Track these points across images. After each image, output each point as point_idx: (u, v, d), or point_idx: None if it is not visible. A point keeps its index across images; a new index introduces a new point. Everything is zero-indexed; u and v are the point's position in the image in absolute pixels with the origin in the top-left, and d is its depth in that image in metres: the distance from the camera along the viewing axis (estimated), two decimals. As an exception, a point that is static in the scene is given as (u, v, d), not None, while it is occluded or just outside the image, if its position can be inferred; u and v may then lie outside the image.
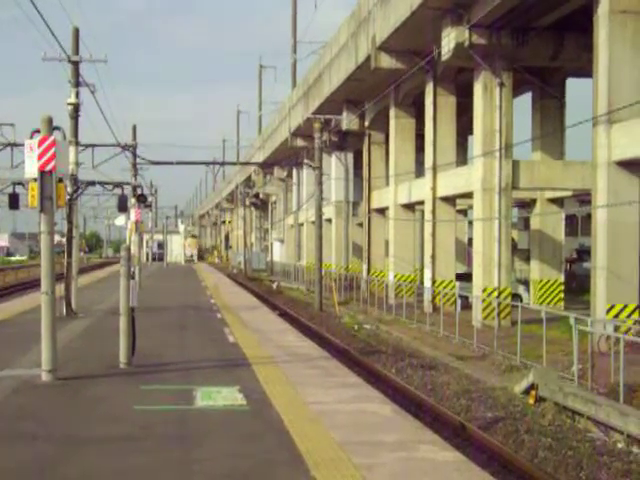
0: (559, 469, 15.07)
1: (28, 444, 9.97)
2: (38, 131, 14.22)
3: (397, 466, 8.92)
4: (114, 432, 10.60)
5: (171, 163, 49.86)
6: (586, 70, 30.48)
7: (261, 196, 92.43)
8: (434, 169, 39.79)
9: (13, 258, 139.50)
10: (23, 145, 14.65)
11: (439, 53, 33.59)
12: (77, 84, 26.36)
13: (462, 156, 48.21)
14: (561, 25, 32.44)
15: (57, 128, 14.97)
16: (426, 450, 9.59)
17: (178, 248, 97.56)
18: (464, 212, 53.51)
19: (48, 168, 13.81)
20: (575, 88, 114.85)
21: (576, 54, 33.02)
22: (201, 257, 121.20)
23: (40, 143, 13.86)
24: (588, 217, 40.50)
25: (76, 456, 9.43)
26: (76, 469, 8.92)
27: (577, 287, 47.45)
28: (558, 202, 42.31)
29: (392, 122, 46.09)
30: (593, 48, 26.87)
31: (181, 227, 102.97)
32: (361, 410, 11.74)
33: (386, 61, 38.88)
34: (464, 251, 47.34)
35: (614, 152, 25.90)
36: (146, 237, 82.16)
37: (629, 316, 25.86)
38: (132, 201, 41.73)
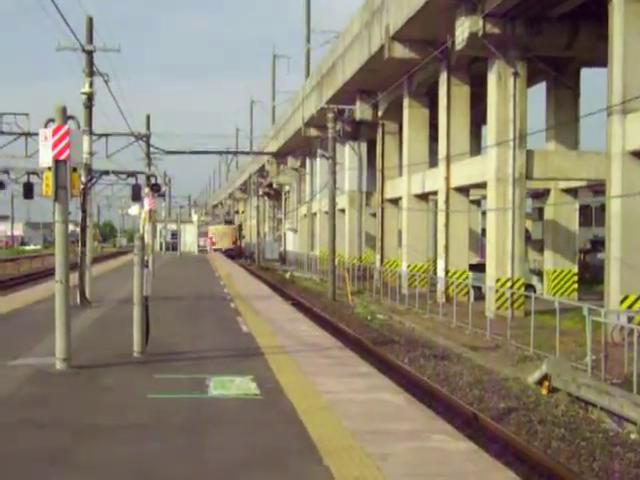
0: (572, 459, 15.07)
1: (43, 431, 10.04)
2: (52, 120, 14.25)
3: (410, 455, 8.94)
4: (127, 420, 10.65)
5: (184, 152, 49.97)
6: (601, 60, 30.30)
7: (274, 186, 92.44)
8: (448, 159, 39.71)
9: (27, 247, 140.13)
10: (37, 134, 14.67)
11: (453, 43, 33.48)
12: (91, 73, 26.40)
13: (476, 146, 48.07)
14: (575, 14, 32.28)
15: (71, 117, 15.00)
16: (439, 440, 9.60)
17: (191, 238, 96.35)
18: (477, 202, 53.37)
19: (62, 157, 13.84)
20: (589, 78, 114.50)
21: (590, 44, 32.85)
22: None
23: (54, 132, 13.90)
24: (602, 207, 40.38)
25: (89, 443, 9.48)
26: (89, 456, 8.97)
27: (591, 278, 47.32)
28: (572, 192, 42.17)
29: (405, 112, 46.00)
30: (608, 38, 26.74)
31: (194, 217, 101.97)
32: (374, 399, 11.75)
33: (399, 51, 38.81)
34: (477, 241, 47.26)
35: (628, 142, 25.79)
36: (160, 227, 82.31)
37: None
38: (146, 190, 41.82)
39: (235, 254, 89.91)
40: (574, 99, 40.61)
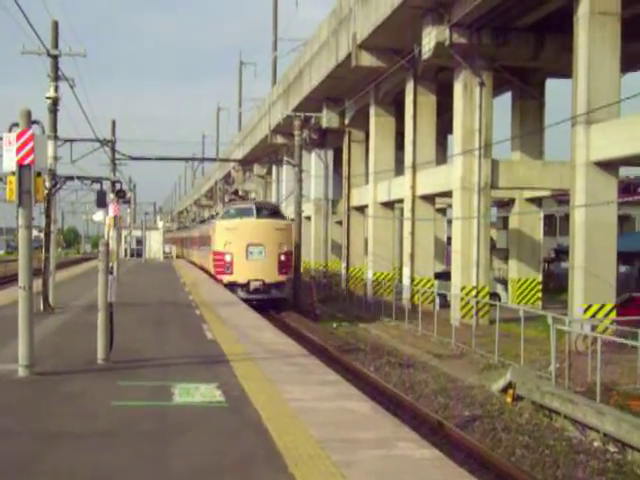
0: (536, 467, 15.15)
1: (4, 439, 9.90)
2: (16, 125, 14.10)
3: (376, 463, 8.92)
4: (91, 428, 10.54)
5: (150, 159, 49.71)
6: (565, 71, 30.65)
7: (240, 193, 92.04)
8: (414, 167, 39.88)
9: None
10: (1, 139, 14.53)
11: (420, 52, 33.68)
12: (56, 78, 26.18)
13: (442, 155, 48.34)
14: (541, 26, 32.61)
15: (36, 122, 14.86)
16: (404, 447, 9.60)
17: (157, 244, 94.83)
18: (443, 211, 53.65)
19: (27, 162, 13.70)
20: (554, 89, 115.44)
21: (556, 55, 33.20)
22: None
23: (19, 137, 13.75)
24: (566, 217, 40.68)
25: (53, 452, 9.37)
26: (53, 465, 8.86)
27: (555, 286, 47.71)
28: (537, 202, 42.55)
29: (372, 120, 46.16)
30: (573, 49, 27.03)
31: (160, 223, 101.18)
32: (340, 407, 11.73)
33: (367, 59, 38.96)
34: (443, 250, 47.49)
35: (592, 153, 26.04)
36: (124, 233, 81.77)
37: (606, 315, 26.00)
38: (111, 196, 41.55)
39: (283, 301, 40.92)
40: (539, 109, 40.99)
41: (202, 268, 52.94)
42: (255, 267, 39.45)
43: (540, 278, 42.52)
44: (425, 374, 24.07)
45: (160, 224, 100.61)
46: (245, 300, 32.68)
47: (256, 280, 39.22)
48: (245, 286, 39.27)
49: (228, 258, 39.79)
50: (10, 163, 13.79)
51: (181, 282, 40.89)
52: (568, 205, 28.90)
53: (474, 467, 14.17)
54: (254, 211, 40.86)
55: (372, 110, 46.07)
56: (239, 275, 39.53)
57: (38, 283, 22.04)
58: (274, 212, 42.72)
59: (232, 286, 38.69)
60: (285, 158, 59.05)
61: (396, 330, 33.20)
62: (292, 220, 43.13)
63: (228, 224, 40.75)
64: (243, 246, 39.55)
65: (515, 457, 15.78)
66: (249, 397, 12.22)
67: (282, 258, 39.97)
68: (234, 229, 40.10)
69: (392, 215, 47.63)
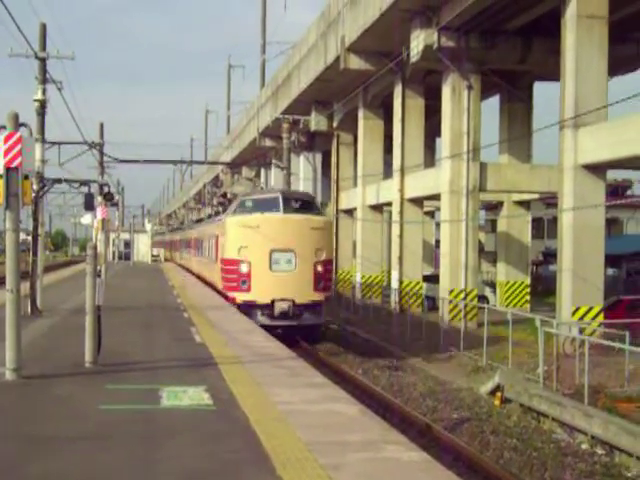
0: (524, 470, 15.18)
1: (-9, 443, 9.86)
2: (4, 127, 14.06)
3: (363, 466, 8.92)
4: (79, 431, 10.50)
5: (138, 161, 49.63)
6: (553, 74, 30.72)
7: (229, 196, 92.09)
8: (402, 171, 39.92)
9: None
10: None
11: (408, 55, 33.74)
12: (44, 81, 26.11)
13: (430, 158, 48.42)
14: (529, 29, 32.72)
15: (23, 125, 14.83)
16: (392, 450, 9.59)
17: (145, 247, 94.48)
18: (431, 214, 53.71)
19: (14, 165, 13.65)
20: (542, 92, 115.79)
21: (543, 58, 33.31)
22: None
23: (6, 139, 13.70)
24: (554, 220, 40.81)
25: (40, 456, 9.33)
26: (40, 469, 8.82)
27: (543, 289, 47.81)
28: (525, 205, 42.63)
29: (361, 123, 46.20)
30: (560, 52, 27.10)
31: (148, 226, 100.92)
32: (328, 410, 11.72)
33: (355, 62, 38.99)
34: (431, 253, 47.52)
35: (580, 156, 26.13)
36: (113, 236, 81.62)
37: (594, 318, 26.08)
38: (99, 199, 41.46)
39: (319, 329, 31.64)
40: (527, 112, 41.11)
41: (203, 280, 42.32)
42: (282, 282, 29.43)
43: (528, 281, 42.62)
44: (414, 377, 24.12)
45: (148, 227, 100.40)
46: (267, 328, 24.12)
47: (283, 300, 29.12)
48: (267, 308, 29.23)
49: (244, 269, 29.57)
50: (-3, 166, 13.73)
51: (169, 285, 40.82)
52: (556, 208, 28.99)
53: (462, 470, 14.18)
54: (281, 203, 30.13)
55: (361, 113, 46.11)
56: (259, 293, 29.43)
57: (26, 286, 21.98)
58: (308, 204, 31.60)
59: (248, 307, 28.84)
60: (274, 161, 58.98)
61: (384, 333, 33.22)
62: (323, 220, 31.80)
63: (244, 221, 30.27)
64: (265, 252, 29.42)
65: (503, 459, 15.81)
66: (237, 400, 12.20)
67: (319, 269, 29.83)
68: (253, 228, 29.62)
69: (381, 218, 47.68)
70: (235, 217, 31.23)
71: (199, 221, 61.69)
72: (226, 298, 30.46)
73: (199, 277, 46.04)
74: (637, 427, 16.10)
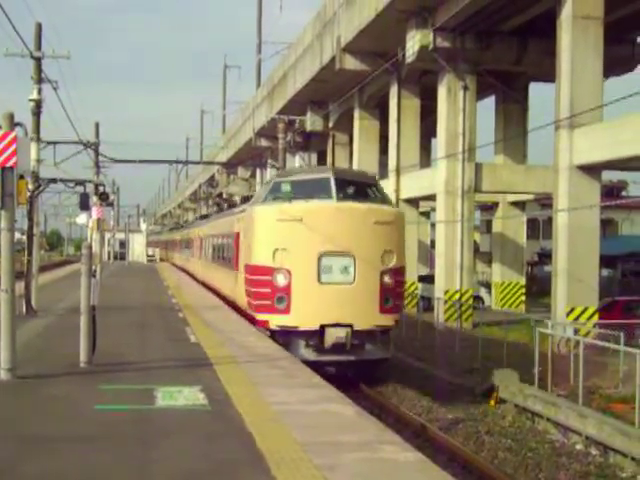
0: (519, 470, 15.21)
1: (-14, 443, 9.85)
2: (-1, 127, 14.05)
3: (359, 466, 8.92)
4: (74, 431, 10.49)
5: (134, 161, 49.48)
6: (549, 75, 30.77)
7: (224, 196, 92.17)
8: (397, 171, 39.93)
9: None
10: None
11: (404, 55, 33.75)
12: (39, 80, 26.09)
13: (426, 158, 48.42)
14: (524, 30, 32.77)
15: (19, 124, 14.82)
16: (388, 451, 9.60)
17: (140, 247, 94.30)
18: (427, 214, 53.72)
19: (9, 164, 13.63)
20: (538, 93, 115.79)
21: (539, 59, 33.36)
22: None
23: (1, 139, 13.69)
24: (550, 221, 40.83)
25: (35, 455, 9.32)
26: (35, 468, 8.81)
27: (538, 290, 47.86)
28: (520, 205, 42.68)
29: (356, 123, 46.20)
30: (556, 53, 27.14)
31: (143, 226, 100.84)
32: (323, 411, 11.72)
33: (351, 62, 39.01)
34: (427, 253, 47.52)
35: (575, 156, 26.17)
36: (108, 236, 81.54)
37: (589, 319, 26.12)
38: (94, 199, 41.45)
39: (384, 364, 23.06)
40: (522, 113, 41.15)
41: (215, 291, 34.30)
42: (336, 299, 21.17)
43: (523, 281, 42.66)
44: (408, 377, 24.10)
45: (143, 227, 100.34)
46: (314, 364, 17.72)
47: (337, 326, 20.90)
48: (314, 337, 21.12)
49: (281, 280, 21.36)
50: (-8, 166, 13.72)
51: (165, 285, 40.78)
52: (551, 209, 29.02)
53: (457, 470, 14.20)
54: (333, 186, 21.85)
55: (356, 113, 46.11)
56: (303, 315, 21.29)
57: (20, 286, 21.96)
58: (370, 188, 23.42)
59: (286, 335, 21.23)
60: (269, 161, 58.97)
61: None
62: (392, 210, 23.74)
63: (281, 212, 21.77)
64: (312, 256, 21.19)
65: (498, 460, 15.83)
66: (233, 400, 12.20)
67: (388, 280, 21.55)
68: (294, 223, 21.34)
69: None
70: (267, 206, 22.46)
71: (204, 217, 53.21)
72: (253, 321, 22.50)
73: (207, 286, 37.96)
74: (631, 428, 16.14)
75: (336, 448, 9.62)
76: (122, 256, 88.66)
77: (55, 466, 8.90)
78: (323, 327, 20.79)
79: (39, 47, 26.39)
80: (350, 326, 20.78)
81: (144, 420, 11.13)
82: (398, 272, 21.95)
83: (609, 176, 53.86)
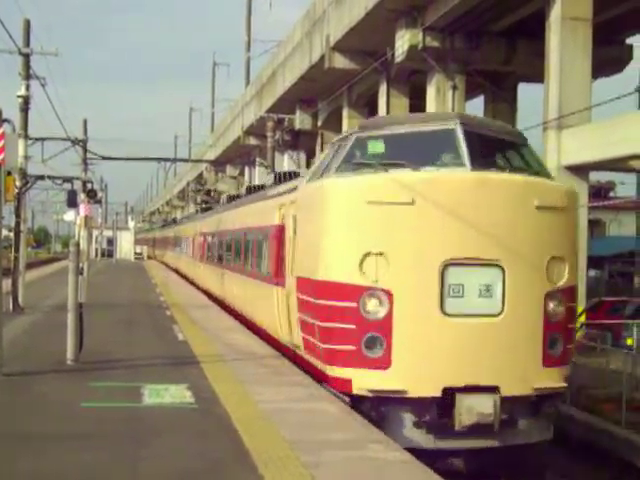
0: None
1: (-28, 440, 9.81)
2: (-13, 123, 14.00)
3: (346, 465, 8.94)
4: (61, 429, 10.47)
5: (122, 159, 49.32)
6: (537, 76, 30.78)
7: (212, 194, 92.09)
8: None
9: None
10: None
11: (393, 55, 33.71)
12: (27, 77, 26.04)
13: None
14: (514, 30, 32.79)
15: (6, 120, 14.79)
16: (375, 449, 9.62)
17: (128, 244, 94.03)
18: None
19: (-3, 161, 13.61)
20: (527, 93, 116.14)
21: (528, 59, 33.36)
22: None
23: (-11, 135, 13.66)
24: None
25: (22, 453, 9.29)
26: (22, 466, 8.79)
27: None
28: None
29: (345, 122, 46.13)
30: (545, 54, 27.17)
31: (131, 223, 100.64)
32: (311, 409, 11.73)
33: (340, 61, 38.93)
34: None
35: (564, 157, 26.21)
36: (95, 233, 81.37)
37: (576, 319, 26.11)
38: (82, 196, 41.38)
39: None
40: (511, 113, 41.13)
41: (226, 307, 26.83)
42: (473, 343, 12.25)
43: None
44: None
45: (131, 224, 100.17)
46: (428, 454, 11.01)
47: (476, 390, 12.07)
48: (431, 409, 12.04)
49: (374, 309, 12.16)
50: (-20, 162, 13.68)
51: (152, 283, 40.74)
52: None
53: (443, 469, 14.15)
54: (463, 145, 12.69)
55: (345, 112, 46.06)
56: (412, 370, 12.15)
57: (7, 283, 21.91)
58: (519, 150, 14.26)
59: (383, 405, 12.05)
60: (258, 159, 58.92)
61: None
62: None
63: (373, 189, 12.47)
64: (429, 268, 12.14)
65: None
66: (220, 398, 12.19)
67: (555, 309, 12.73)
68: (397, 207, 12.21)
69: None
70: (348, 180, 13.01)
71: (206, 209, 46.23)
72: (317, 376, 13.68)
73: (212, 296, 30.87)
74: (617, 427, 16.18)
75: (323, 446, 9.63)
76: (110, 254, 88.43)
77: (43, 465, 8.86)
78: (451, 392, 12.01)
79: (28, 44, 26.34)
80: (496, 389, 12.12)
81: (131, 418, 11.12)
82: (570, 294, 13.24)
83: (597, 177, 54.02)
